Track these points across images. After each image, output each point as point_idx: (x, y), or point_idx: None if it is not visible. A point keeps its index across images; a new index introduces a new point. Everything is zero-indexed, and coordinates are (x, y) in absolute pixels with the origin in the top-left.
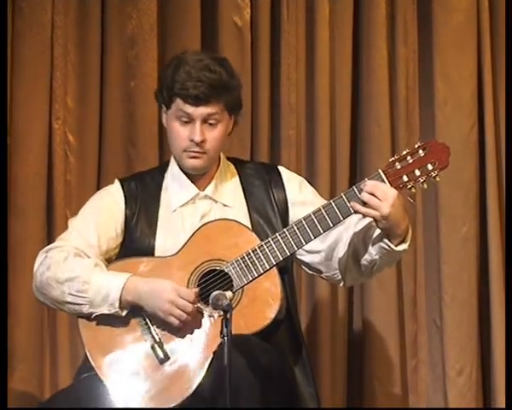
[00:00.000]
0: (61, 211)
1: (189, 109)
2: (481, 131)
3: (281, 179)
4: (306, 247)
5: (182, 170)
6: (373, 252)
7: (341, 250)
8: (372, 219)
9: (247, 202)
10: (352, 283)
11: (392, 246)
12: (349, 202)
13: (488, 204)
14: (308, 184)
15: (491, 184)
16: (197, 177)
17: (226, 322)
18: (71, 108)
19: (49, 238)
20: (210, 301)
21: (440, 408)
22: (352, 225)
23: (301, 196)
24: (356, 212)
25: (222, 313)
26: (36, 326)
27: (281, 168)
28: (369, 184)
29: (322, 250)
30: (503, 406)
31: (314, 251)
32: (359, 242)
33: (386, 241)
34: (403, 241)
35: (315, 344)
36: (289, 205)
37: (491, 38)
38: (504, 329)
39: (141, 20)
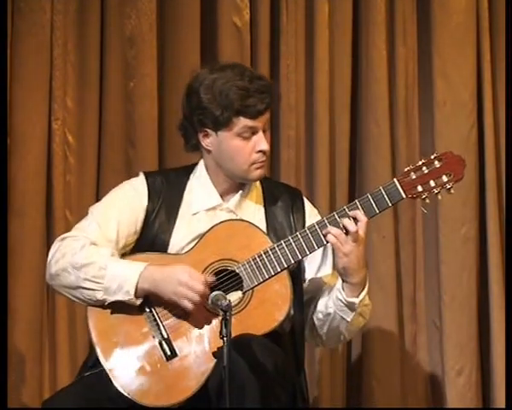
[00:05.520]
0: (60, 211)
1: (254, 123)
2: (481, 131)
3: (303, 207)
4: None
5: (209, 176)
6: (329, 303)
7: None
8: None
9: (266, 221)
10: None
11: (344, 294)
12: (363, 208)
13: (488, 204)
14: None
15: (490, 185)
16: (224, 187)
17: (225, 322)
18: (70, 108)
19: (49, 239)
20: (209, 301)
21: (440, 408)
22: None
23: None
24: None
25: (221, 313)
26: (35, 327)
27: (303, 196)
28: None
29: None
30: (503, 406)
31: None
32: (323, 297)
33: (339, 288)
34: (357, 296)
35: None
36: None
37: (490, 39)
38: (504, 329)
39: (140, 20)
